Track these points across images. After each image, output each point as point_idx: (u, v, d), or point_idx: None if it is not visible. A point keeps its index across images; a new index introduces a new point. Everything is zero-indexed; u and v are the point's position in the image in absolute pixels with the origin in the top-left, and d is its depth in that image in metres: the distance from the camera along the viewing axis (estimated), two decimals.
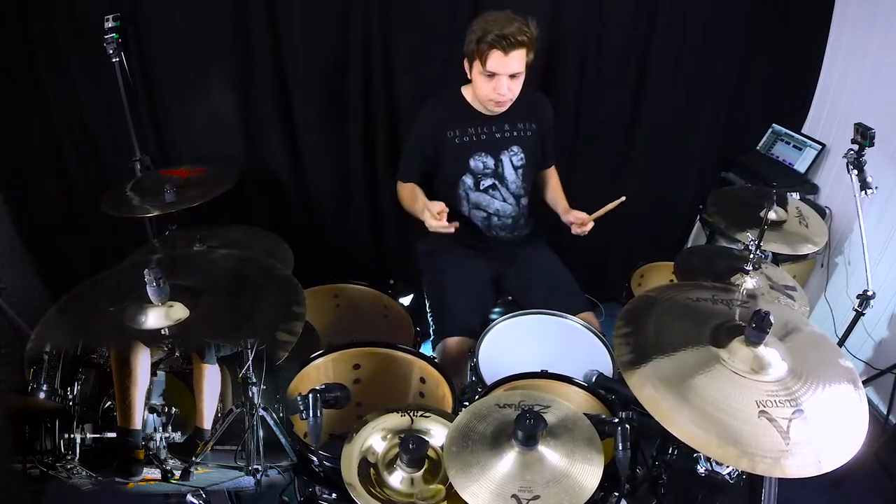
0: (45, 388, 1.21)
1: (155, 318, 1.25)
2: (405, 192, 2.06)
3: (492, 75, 1.82)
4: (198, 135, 2.31)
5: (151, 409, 1.26)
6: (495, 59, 1.78)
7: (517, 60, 1.79)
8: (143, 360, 1.25)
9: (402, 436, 1.26)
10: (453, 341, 1.90)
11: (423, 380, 1.69)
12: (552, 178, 2.28)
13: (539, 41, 1.84)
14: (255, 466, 1.22)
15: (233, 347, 1.30)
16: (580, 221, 1.96)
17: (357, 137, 2.37)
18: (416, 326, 2.00)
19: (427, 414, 1.36)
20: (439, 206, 1.77)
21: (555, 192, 2.23)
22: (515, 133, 2.03)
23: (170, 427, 1.27)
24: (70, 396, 1.23)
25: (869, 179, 1.89)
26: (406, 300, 2.20)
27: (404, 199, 2.07)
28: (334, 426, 1.67)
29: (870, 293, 1.97)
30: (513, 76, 1.83)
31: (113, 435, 1.20)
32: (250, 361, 1.18)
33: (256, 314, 1.33)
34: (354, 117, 2.33)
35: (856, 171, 1.91)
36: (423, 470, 1.25)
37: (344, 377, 1.69)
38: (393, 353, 1.70)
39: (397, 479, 1.24)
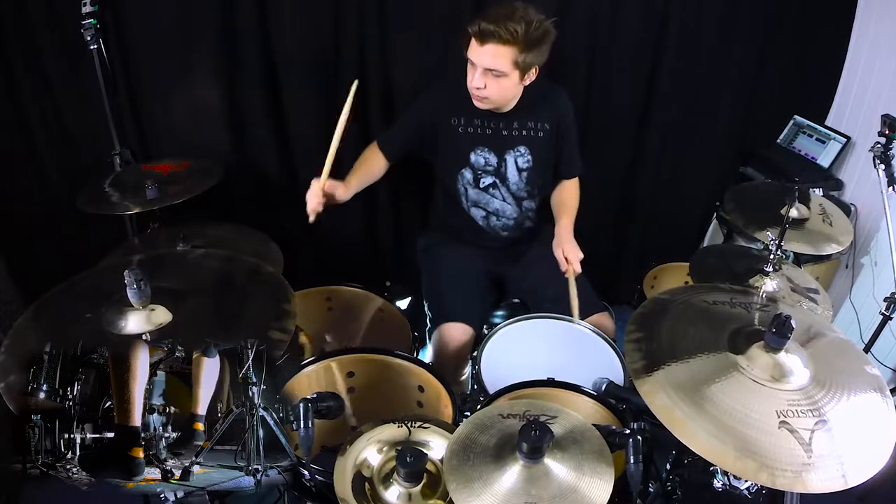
0: (45, 388, 1.24)
1: (136, 322, 1.26)
2: (366, 154, 2.06)
3: (473, 64, 1.82)
4: (181, 127, 2.31)
5: (151, 410, 1.29)
6: (472, 47, 1.80)
7: (491, 55, 1.76)
8: (141, 358, 1.28)
9: (399, 448, 1.26)
10: (450, 328, 1.90)
11: (421, 388, 1.70)
12: (567, 190, 2.19)
13: (534, 40, 1.78)
14: (255, 466, 1.25)
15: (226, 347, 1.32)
16: (564, 266, 1.95)
17: (351, 131, 2.37)
18: (413, 331, 2.00)
19: (426, 425, 1.37)
20: (324, 188, 1.79)
21: (559, 207, 2.15)
22: (525, 132, 2.01)
23: (170, 427, 1.30)
24: (70, 396, 1.26)
25: None
26: (403, 303, 2.20)
27: (360, 158, 2.06)
28: (327, 438, 1.68)
29: None
30: (495, 74, 1.79)
31: (112, 435, 1.24)
32: (250, 361, 1.21)
33: (244, 315, 1.36)
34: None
35: (883, 166, 1.90)
36: (421, 485, 1.25)
37: (337, 386, 1.69)
38: (389, 360, 1.71)
39: (394, 494, 1.24)
